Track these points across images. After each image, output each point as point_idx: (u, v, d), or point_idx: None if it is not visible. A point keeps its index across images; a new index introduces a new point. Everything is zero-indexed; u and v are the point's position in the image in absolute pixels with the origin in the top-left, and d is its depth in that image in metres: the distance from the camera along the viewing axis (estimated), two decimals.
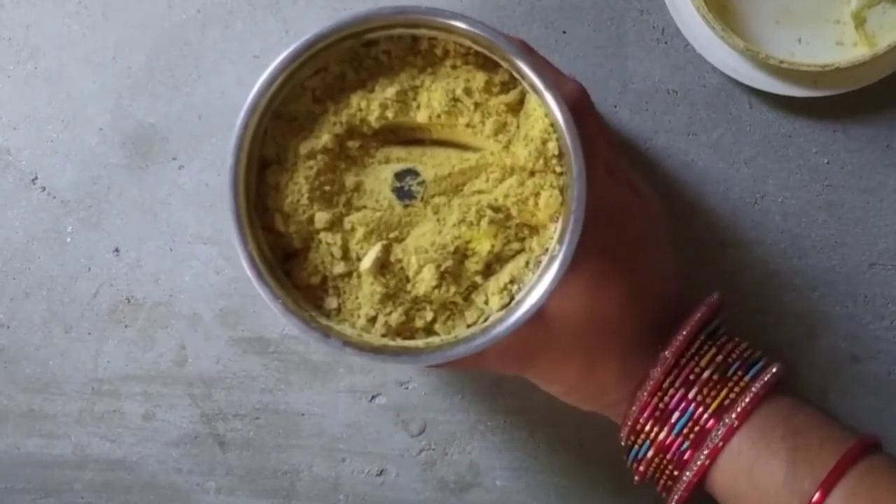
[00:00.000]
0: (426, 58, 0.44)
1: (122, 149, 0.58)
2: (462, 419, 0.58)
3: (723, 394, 0.46)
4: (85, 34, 0.58)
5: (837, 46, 0.54)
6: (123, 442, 0.58)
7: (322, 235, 0.43)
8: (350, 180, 0.43)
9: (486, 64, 0.43)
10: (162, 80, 0.58)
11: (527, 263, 0.43)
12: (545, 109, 0.42)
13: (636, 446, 0.48)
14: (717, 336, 0.48)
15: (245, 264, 0.42)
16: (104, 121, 0.58)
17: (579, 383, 0.48)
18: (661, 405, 0.46)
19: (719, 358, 0.47)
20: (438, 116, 0.43)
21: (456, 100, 0.43)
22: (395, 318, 0.43)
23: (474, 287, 0.43)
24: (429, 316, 0.43)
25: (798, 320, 0.56)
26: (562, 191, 0.42)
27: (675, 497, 0.47)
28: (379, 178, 0.43)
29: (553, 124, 0.42)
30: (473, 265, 0.43)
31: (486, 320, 0.43)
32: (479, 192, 0.43)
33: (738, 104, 0.56)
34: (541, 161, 0.42)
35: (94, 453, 0.58)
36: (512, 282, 0.43)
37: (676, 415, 0.46)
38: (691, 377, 0.46)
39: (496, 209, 0.43)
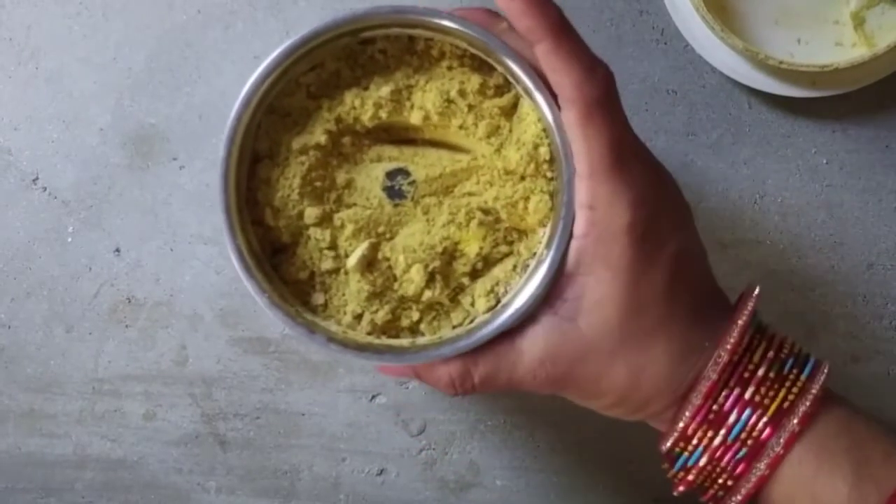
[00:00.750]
0: (422, 58, 0.44)
1: (123, 149, 0.58)
2: (462, 419, 0.58)
3: (781, 394, 0.42)
4: (86, 34, 0.58)
5: (836, 47, 0.54)
6: (124, 441, 0.58)
7: (311, 231, 0.43)
8: (341, 177, 0.43)
9: (482, 66, 0.43)
10: (162, 80, 0.58)
11: (514, 267, 0.43)
12: (538, 114, 0.42)
13: (685, 454, 0.43)
14: (763, 330, 0.44)
15: (233, 257, 0.42)
16: (105, 121, 0.58)
17: (626, 393, 0.43)
18: (714, 407, 0.42)
19: (771, 353, 0.43)
20: (432, 117, 0.43)
21: (450, 101, 0.43)
22: (382, 316, 0.43)
23: (461, 288, 0.43)
24: (415, 316, 0.43)
25: (797, 320, 0.56)
26: (552, 196, 0.42)
27: None
28: (370, 176, 0.43)
29: (545, 129, 0.41)
30: (461, 266, 0.43)
31: (471, 322, 0.43)
32: (470, 193, 0.43)
33: (738, 104, 0.56)
34: (532, 165, 0.42)
35: (95, 453, 0.59)
36: (498, 284, 0.43)
37: (733, 417, 0.42)
38: (745, 374, 0.42)
39: (486, 211, 0.42)
